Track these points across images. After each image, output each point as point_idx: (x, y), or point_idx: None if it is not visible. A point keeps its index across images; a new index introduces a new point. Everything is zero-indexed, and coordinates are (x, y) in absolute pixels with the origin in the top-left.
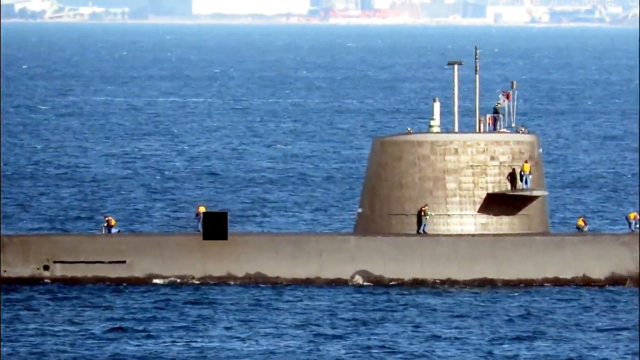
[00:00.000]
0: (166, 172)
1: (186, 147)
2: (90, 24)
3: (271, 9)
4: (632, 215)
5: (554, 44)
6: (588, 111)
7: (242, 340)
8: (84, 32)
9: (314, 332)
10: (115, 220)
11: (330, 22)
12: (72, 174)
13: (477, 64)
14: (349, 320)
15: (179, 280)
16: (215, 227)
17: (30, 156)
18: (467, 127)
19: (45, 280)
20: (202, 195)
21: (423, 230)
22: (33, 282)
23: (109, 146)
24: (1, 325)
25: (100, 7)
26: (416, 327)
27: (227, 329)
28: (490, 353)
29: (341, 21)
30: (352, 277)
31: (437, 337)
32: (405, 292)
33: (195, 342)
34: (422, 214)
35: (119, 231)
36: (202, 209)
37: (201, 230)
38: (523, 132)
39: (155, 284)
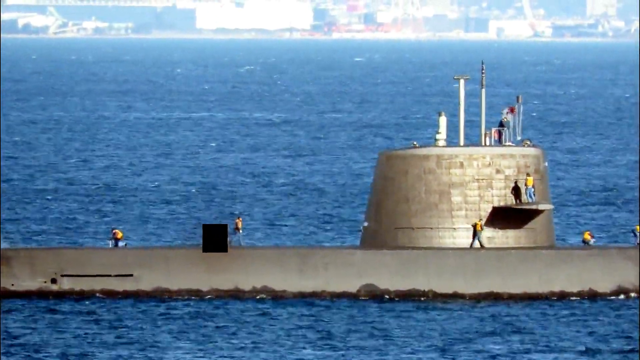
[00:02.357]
0: (174, 186)
1: (192, 160)
2: (94, 39)
3: (274, 24)
4: (638, 228)
5: (558, 58)
6: (592, 124)
7: (249, 354)
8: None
9: (320, 346)
10: (122, 233)
11: (333, 37)
12: (79, 186)
13: (483, 78)
14: (353, 334)
15: (185, 294)
16: (215, 239)
17: (36, 169)
18: (473, 141)
19: (53, 294)
20: (207, 208)
21: (479, 243)
22: (41, 295)
23: (116, 159)
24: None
25: (103, 22)
26: (421, 340)
27: (233, 342)
28: None
29: (344, 35)
30: (358, 291)
31: (443, 351)
32: (412, 306)
33: (202, 357)
34: (479, 228)
35: (125, 244)
36: (240, 223)
37: (238, 243)
38: (529, 145)
39: (162, 298)
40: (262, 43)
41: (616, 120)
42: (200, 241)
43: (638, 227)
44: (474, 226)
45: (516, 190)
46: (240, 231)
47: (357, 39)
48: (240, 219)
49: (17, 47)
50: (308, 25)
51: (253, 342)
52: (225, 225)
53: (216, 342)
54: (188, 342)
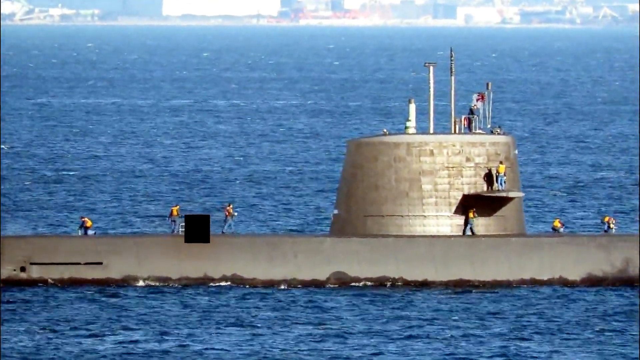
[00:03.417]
0: (144, 174)
1: (163, 149)
2: (60, 25)
3: (241, 10)
4: (606, 219)
5: (526, 45)
6: (561, 111)
7: (221, 342)
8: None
9: (295, 334)
10: (92, 222)
11: (300, 23)
12: (48, 174)
13: (453, 65)
14: (325, 322)
15: (157, 283)
16: (198, 230)
17: (4, 157)
18: (443, 129)
19: (22, 282)
20: (179, 197)
21: (471, 231)
22: (10, 283)
23: (85, 147)
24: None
25: (70, 9)
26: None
27: (202, 330)
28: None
29: (311, 22)
30: (328, 279)
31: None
32: (381, 293)
33: (172, 343)
34: (471, 215)
35: (94, 233)
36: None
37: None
38: (499, 133)
39: (132, 286)
40: (228, 30)
41: (591, 108)
42: (173, 229)
43: (606, 217)
44: (466, 214)
45: (488, 178)
46: (232, 218)
47: (324, 26)
48: (231, 205)
49: None
50: (275, 11)
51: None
52: (208, 216)
53: (185, 329)
54: (158, 331)
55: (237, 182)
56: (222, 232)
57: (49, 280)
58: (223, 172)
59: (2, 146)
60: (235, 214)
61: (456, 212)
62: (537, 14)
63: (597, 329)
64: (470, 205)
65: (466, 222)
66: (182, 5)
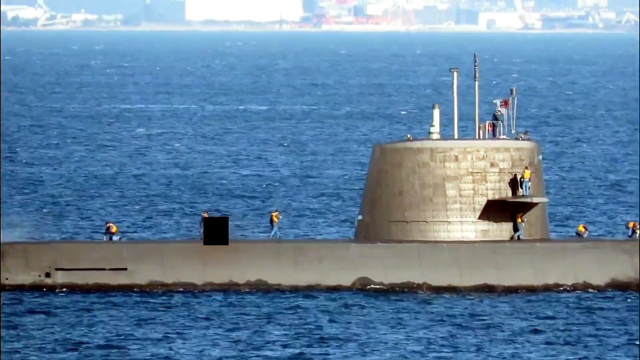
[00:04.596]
0: (168, 178)
1: (186, 153)
2: (84, 31)
3: (264, 15)
4: (631, 224)
5: (549, 51)
6: (588, 117)
7: (244, 347)
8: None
9: (315, 338)
10: (116, 227)
11: (323, 29)
12: (73, 181)
13: (477, 70)
14: (348, 325)
15: (180, 288)
16: (216, 232)
17: (30, 163)
18: (467, 134)
19: (47, 288)
20: (205, 201)
21: (518, 237)
22: (35, 289)
23: (110, 152)
24: (1, 331)
25: (92, 15)
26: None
27: (227, 336)
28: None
29: (334, 27)
30: (353, 284)
31: (431, 342)
32: (406, 299)
33: (194, 349)
34: (519, 220)
35: (120, 238)
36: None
37: (276, 237)
38: (523, 139)
39: (157, 291)
40: (251, 35)
41: (609, 113)
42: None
43: (630, 223)
44: (515, 218)
45: (513, 183)
46: (276, 224)
47: (346, 31)
48: (278, 212)
49: (6, 39)
50: (298, 17)
51: (250, 336)
52: (227, 218)
53: (209, 334)
54: (180, 337)
55: (263, 187)
56: (269, 237)
57: (74, 285)
58: (248, 177)
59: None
60: (278, 222)
61: (480, 217)
62: (559, 19)
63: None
64: (488, 210)
65: (515, 227)
66: (204, 10)
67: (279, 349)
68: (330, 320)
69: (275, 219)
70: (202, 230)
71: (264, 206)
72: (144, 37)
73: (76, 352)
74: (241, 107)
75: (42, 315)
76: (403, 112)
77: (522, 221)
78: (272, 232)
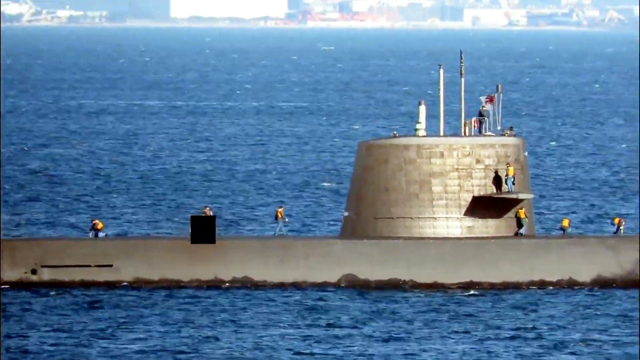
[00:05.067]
0: (155, 175)
1: (173, 151)
2: (68, 27)
3: (249, 12)
4: (616, 220)
5: (534, 47)
6: (572, 114)
7: (229, 343)
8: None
9: (305, 335)
10: (103, 224)
11: (308, 26)
12: (59, 177)
13: (462, 67)
14: (334, 322)
15: (166, 284)
16: (203, 230)
17: (16, 159)
18: (453, 130)
19: (33, 285)
20: (190, 199)
21: (521, 233)
22: (21, 286)
23: (96, 149)
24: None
25: (77, 11)
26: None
27: (213, 332)
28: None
29: (319, 24)
30: (339, 280)
31: (421, 339)
32: (392, 295)
33: (181, 344)
34: (522, 215)
35: (106, 235)
36: (280, 212)
37: (281, 232)
38: (509, 135)
39: (142, 288)
40: (236, 32)
41: (592, 110)
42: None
43: (616, 219)
44: (517, 214)
45: (497, 180)
46: (282, 220)
47: (331, 28)
48: (282, 208)
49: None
50: (283, 13)
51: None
52: (214, 217)
53: (196, 331)
54: (167, 333)
55: (247, 183)
56: (274, 235)
57: (60, 282)
58: (231, 174)
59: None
60: (287, 219)
61: (466, 213)
62: (543, 16)
63: (603, 331)
64: (473, 206)
65: (519, 223)
66: (189, 7)
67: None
68: (317, 317)
69: (280, 215)
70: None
71: (249, 203)
72: (129, 33)
73: (61, 349)
74: (229, 104)
75: (27, 313)
76: (389, 109)
77: (526, 216)
78: (278, 228)
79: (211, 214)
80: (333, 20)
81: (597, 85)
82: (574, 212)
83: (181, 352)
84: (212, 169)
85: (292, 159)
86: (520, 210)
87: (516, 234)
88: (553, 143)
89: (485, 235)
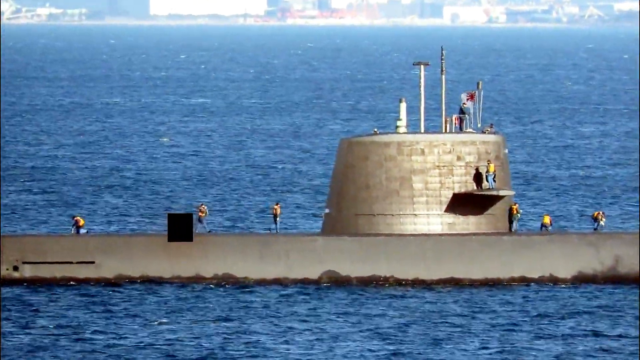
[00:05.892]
0: (136, 173)
1: (155, 148)
2: (48, 25)
3: (228, 9)
4: (595, 214)
5: (514, 44)
6: (554, 111)
7: (212, 340)
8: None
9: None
10: (84, 221)
11: (287, 23)
12: (40, 174)
13: (443, 64)
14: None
15: (147, 281)
16: (180, 228)
17: None
18: (434, 128)
19: (15, 281)
20: (170, 196)
21: (514, 228)
22: (2, 283)
23: (77, 146)
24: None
25: (57, 9)
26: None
27: (192, 328)
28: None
29: (298, 21)
30: (320, 277)
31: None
32: (373, 292)
33: (163, 342)
34: (514, 212)
35: (87, 232)
36: (204, 209)
37: (205, 229)
38: (489, 132)
39: (124, 284)
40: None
41: (578, 106)
42: (203, 228)
43: (596, 213)
44: (510, 210)
45: (477, 177)
46: (204, 217)
47: (311, 25)
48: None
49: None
50: (262, 11)
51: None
52: (191, 215)
53: (179, 327)
54: (150, 330)
55: (225, 181)
56: (271, 230)
57: (42, 279)
58: (210, 171)
59: None
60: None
61: (447, 210)
62: (523, 13)
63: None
64: (454, 203)
65: (511, 219)
66: (169, 4)
67: (248, 342)
68: (295, 313)
69: (277, 212)
70: (203, 225)
71: (228, 200)
72: (109, 31)
73: (43, 345)
74: (209, 100)
75: (10, 310)
76: (370, 106)
77: (519, 212)
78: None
79: (206, 211)
80: (312, 17)
81: (569, 83)
82: (552, 209)
83: (160, 349)
84: (190, 167)
85: (271, 155)
86: (513, 206)
87: (510, 230)
88: (531, 141)
89: (466, 232)
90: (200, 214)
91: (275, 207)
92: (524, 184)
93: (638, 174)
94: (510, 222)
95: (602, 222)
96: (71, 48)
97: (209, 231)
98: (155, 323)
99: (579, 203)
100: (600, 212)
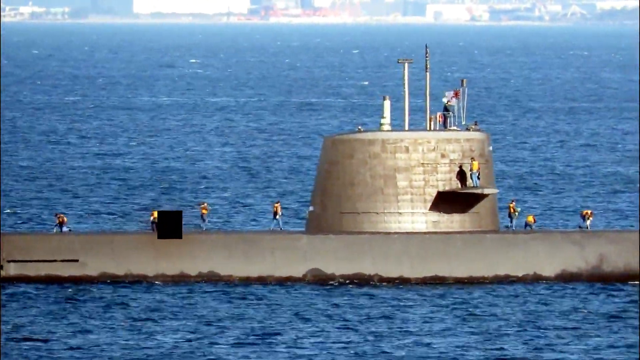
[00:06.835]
0: (121, 171)
1: (140, 146)
2: (31, 23)
3: (211, 8)
4: (584, 212)
5: (496, 42)
6: (535, 109)
7: (193, 339)
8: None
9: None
10: (66, 218)
11: (270, 21)
12: (24, 172)
13: (428, 61)
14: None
15: (132, 279)
16: (170, 226)
17: None
18: (418, 125)
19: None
20: (157, 194)
21: (512, 226)
22: None
23: (62, 145)
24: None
25: (40, 7)
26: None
27: (177, 328)
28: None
29: (281, 20)
30: (304, 275)
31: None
32: (357, 290)
33: (146, 340)
34: (512, 210)
35: (69, 230)
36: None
37: (204, 227)
38: (474, 130)
39: (108, 283)
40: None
41: (565, 104)
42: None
43: (585, 211)
44: (509, 208)
45: (461, 175)
46: (206, 215)
47: (294, 24)
48: (279, 203)
49: None
50: (245, 9)
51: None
52: (180, 212)
53: (160, 327)
54: (132, 329)
55: (211, 180)
56: (271, 228)
57: (26, 277)
58: (196, 170)
59: None
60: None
61: (431, 208)
62: (506, 11)
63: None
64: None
65: (511, 217)
66: (152, 3)
67: (230, 341)
68: (281, 311)
69: (278, 210)
70: (205, 223)
71: (215, 198)
72: (91, 29)
73: (28, 343)
74: (198, 99)
75: None
76: (354, 103)
77: (515, 211)
78: (279, 223)
79: (209, 209)
80: (295, 16)
81: (558, 80)
82: (537, 207)
83: (145, 348)
84: (180, 165)
85: (256, 153)
86: (510, 204)
87: (507, 227)
88: (512, 138)
89: (450, 230)
90: (202, 211)
91: (276, 205)
92: (509, 181)
93: (628, 173)
94: (511, 219)
95: (588, 222)
96: (54, 46)
97: (204, 229)
98: (139, 323)
99: (564, 202)
100: (589, 212)
